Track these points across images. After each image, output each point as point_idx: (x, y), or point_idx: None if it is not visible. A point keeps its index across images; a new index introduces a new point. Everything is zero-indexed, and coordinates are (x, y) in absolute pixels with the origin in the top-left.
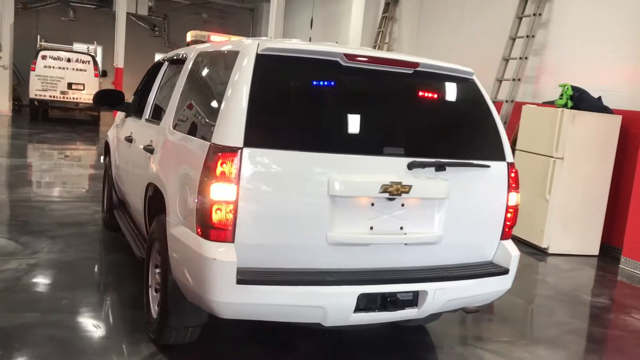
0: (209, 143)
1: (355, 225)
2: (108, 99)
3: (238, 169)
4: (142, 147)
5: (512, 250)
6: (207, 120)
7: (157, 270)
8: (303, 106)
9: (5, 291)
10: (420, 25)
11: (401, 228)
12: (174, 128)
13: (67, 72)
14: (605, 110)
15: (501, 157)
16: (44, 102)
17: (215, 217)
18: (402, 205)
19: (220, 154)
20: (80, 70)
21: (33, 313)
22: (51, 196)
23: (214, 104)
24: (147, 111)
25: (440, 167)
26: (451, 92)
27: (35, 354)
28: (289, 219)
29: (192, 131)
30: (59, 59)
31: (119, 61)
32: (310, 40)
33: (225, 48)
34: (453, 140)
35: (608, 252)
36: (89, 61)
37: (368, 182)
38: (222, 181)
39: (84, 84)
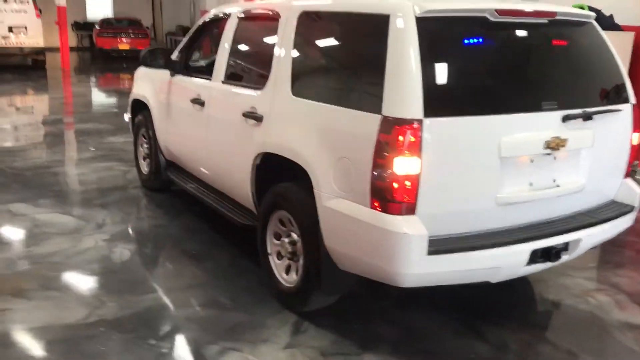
0: (380, 115)
1: (518, 184)
2: (157, 59)
3: (420, 141)
4: (241, 113)
5: (636, 188)
6: (361, 89)
7: (286, 240)
8: (467, 69)
9: (108, 273)
10: None
11: (554, 180)
12: (296, 96)
13: (6, 15)
14: (617, 28)
15: (626, 99)
16: None
17: (398, 191)
18: (555, 158)
19: (399, 126)
20: (20, 11)
21: (152, 294)
22: (63, 159)
23: (366, 72)
24: (222, 72)
25: (587, 117)
26: (580, 38)
27: (193, 337)
28: (464, 185)
29: (336, 100)
30: None
31: None
32: None
33: (353, 9)
34: (590, 87)
35: None
36: (28, 1)
37: (533, 140)
38: (404, 154)
39: (26, 27)
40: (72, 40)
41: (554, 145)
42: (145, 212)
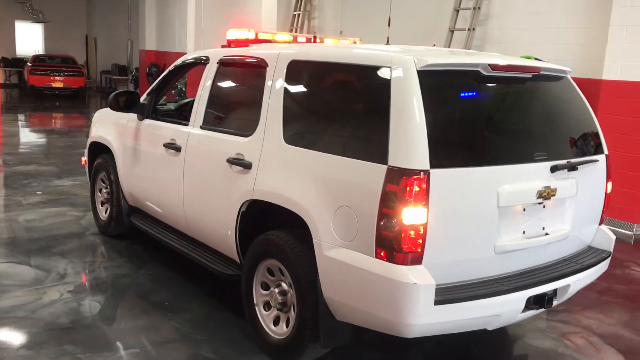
0: (386, 166)
1: (514, 232)
2: (126, 103)
3: (427, 191)
4: (225, 159)
5: (610, 234)
6: (362, 140)
7: (276, 290)
8: (466, 121)
9: (80, 328)
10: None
11: (543, 229)
12: (288, 143)
13: None
14: None
15: (601, 150)
16: None
17: (406, 241)
18: (544, 207)
19: (406, 177)
20: None
21: (131, 349)
22: (10, 204)
23: (366, 123)
24: (200, 117)
25: (572, 167)
26: (559, 91)
27: None
28: (466, 234)
29: (334, 150)
30: None
31: None
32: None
33: (348, 60)
34: (570, 139)
35: None
36: None
37: (528, 189)
38: (411, 205)
39: None
40: None
41: (546, 194)
42: (109, 261)
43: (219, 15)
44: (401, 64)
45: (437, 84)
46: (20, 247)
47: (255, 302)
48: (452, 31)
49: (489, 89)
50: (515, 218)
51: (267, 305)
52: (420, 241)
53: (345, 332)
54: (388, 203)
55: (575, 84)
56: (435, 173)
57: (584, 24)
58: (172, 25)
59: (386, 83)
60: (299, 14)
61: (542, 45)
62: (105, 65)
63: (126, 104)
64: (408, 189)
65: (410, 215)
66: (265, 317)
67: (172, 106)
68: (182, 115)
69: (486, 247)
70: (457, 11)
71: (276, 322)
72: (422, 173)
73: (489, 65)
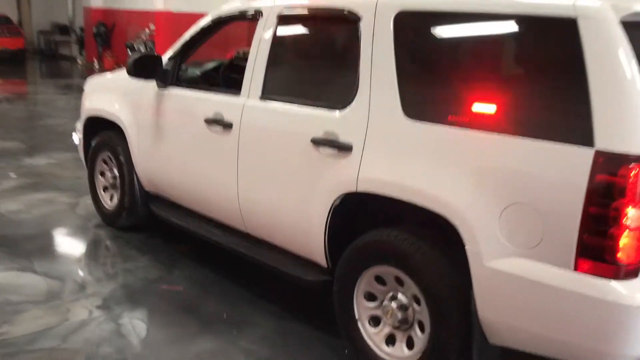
0: (592, 149)
1: None
2: (148, 68)
3: None
4: (309, 139)
5: None
6: (544, 111)
7: (393, 304)
8: None
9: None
10: None
11: None
12: (413, 119)
13: None
14: None
15: None
16: None
17: (624, 249)
18: None
19: (627, 165)
20: None
21: None
22: None
23: (549, 88)
24: (258, 86)
25: None
26: None
27: None
28: None
29: (497, 127)
30: None
31: None
32: None
33: (495, 9)
34: None
35: None
36: None
37: None
38: (634, 202)
39: None
40: None
41: None
42: (130, 261)
43: None
44: (594, 13)
45: (638, 39)
46: (15, 247)
47: (356, 316)
48: None
49: None
50: None
51: (374, 320)
52: None
53: (495, 356)
54: (599, 199)
55: None
56: None
57: None
58: None
59: (575, 36)
60: None
61: None
62: (43, 24)
63: (147, 69)
64: (631, 180)
65: (633, 215)
66: (372, 336)
67: (197, 71)
68: (222, 83)
69: None
70: None
71: (389, 340)
72: None
73: None
